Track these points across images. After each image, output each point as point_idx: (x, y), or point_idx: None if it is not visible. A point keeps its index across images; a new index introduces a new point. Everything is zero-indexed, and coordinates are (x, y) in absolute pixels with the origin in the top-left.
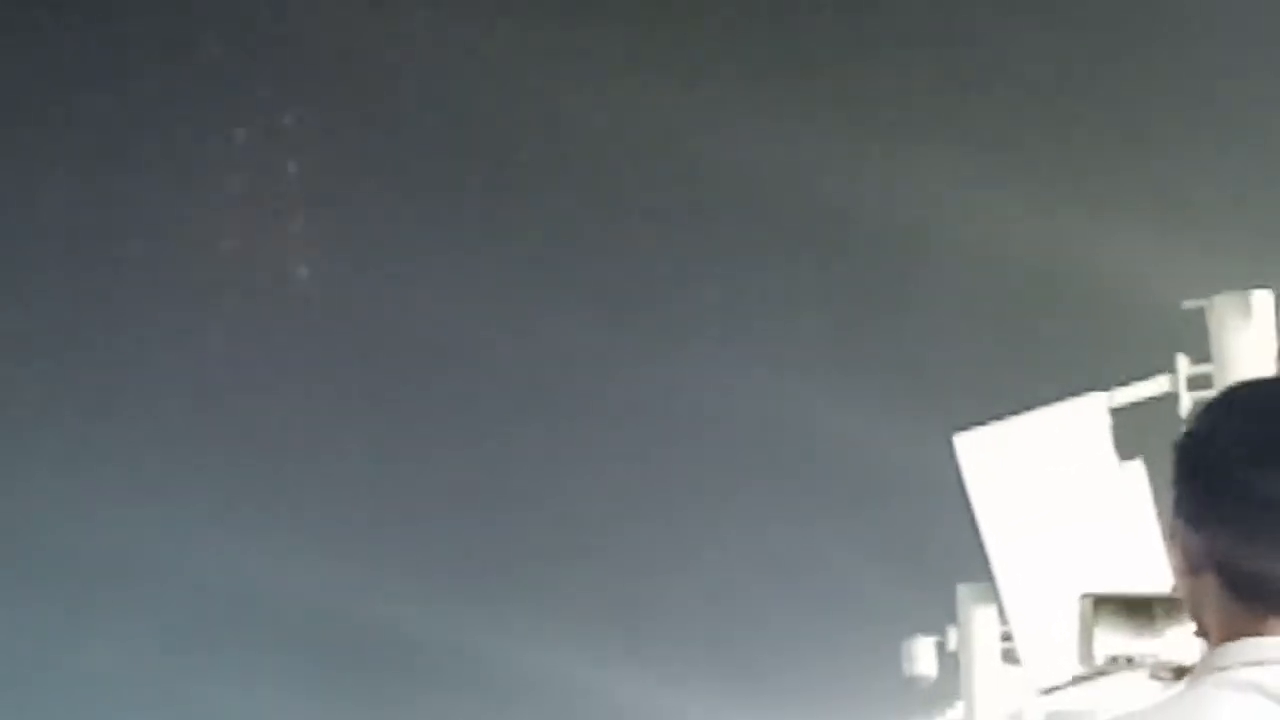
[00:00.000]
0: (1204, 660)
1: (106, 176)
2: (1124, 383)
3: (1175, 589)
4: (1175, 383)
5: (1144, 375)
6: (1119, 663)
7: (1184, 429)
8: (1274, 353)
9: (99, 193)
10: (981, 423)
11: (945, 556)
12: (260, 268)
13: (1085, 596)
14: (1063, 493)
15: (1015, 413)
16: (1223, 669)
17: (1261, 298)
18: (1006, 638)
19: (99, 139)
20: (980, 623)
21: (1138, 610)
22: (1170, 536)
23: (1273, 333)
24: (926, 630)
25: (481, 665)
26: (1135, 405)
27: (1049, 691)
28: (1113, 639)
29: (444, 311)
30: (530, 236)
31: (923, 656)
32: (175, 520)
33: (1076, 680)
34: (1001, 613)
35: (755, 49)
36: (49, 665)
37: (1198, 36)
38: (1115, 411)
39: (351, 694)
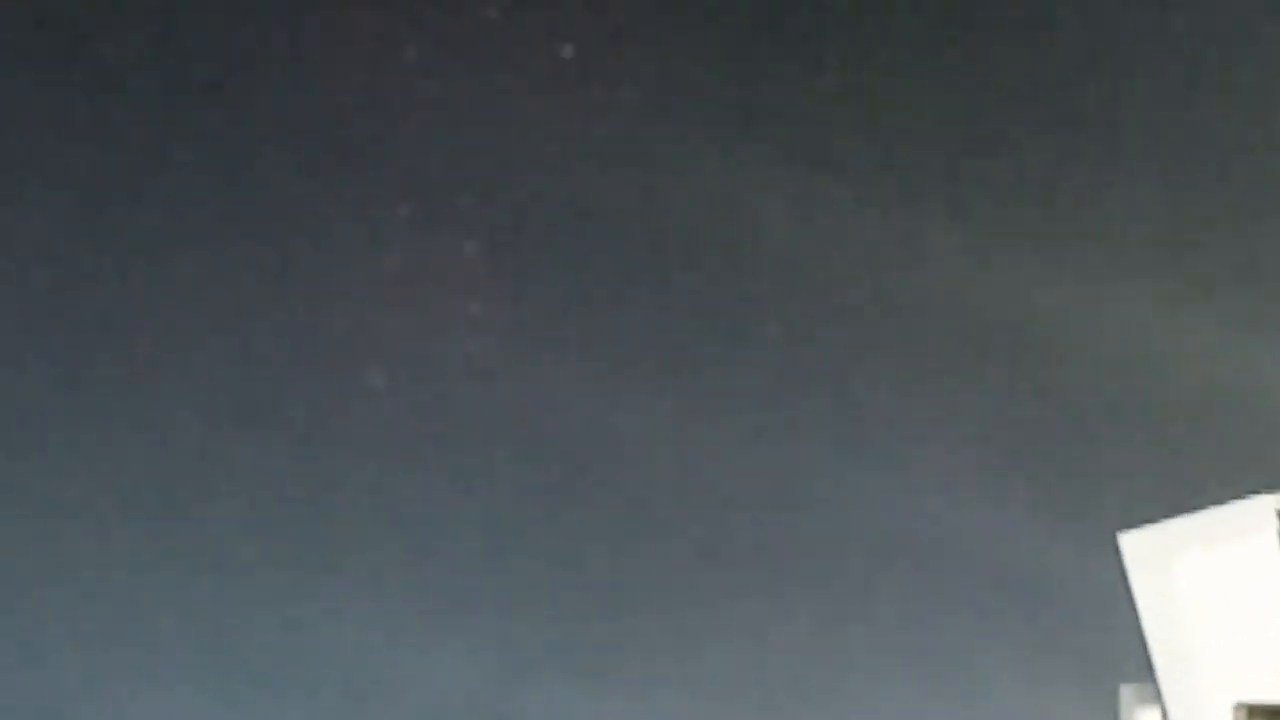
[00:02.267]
0: None
1: (267, 251)
2: None
3: None
4: None
5: None
6: None
7: None
8: None
9: (259, 268)
10: (1147, 522)
11: (1109, 657)
12: (433, 346)
13: (1239, 706)
14: (1229, 594)
15: (1181, 513)
16: None
17: None
18: None
19: (257, 214)
20: None
21: None
22: None
23: None
24: None
25: None
26: None
27: None
28: None
29: (609, 404)
30: (706, 337)
31: None
32: (322, 595)
33: None
34: (1164, 716)
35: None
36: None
37: None
38: None
39: None
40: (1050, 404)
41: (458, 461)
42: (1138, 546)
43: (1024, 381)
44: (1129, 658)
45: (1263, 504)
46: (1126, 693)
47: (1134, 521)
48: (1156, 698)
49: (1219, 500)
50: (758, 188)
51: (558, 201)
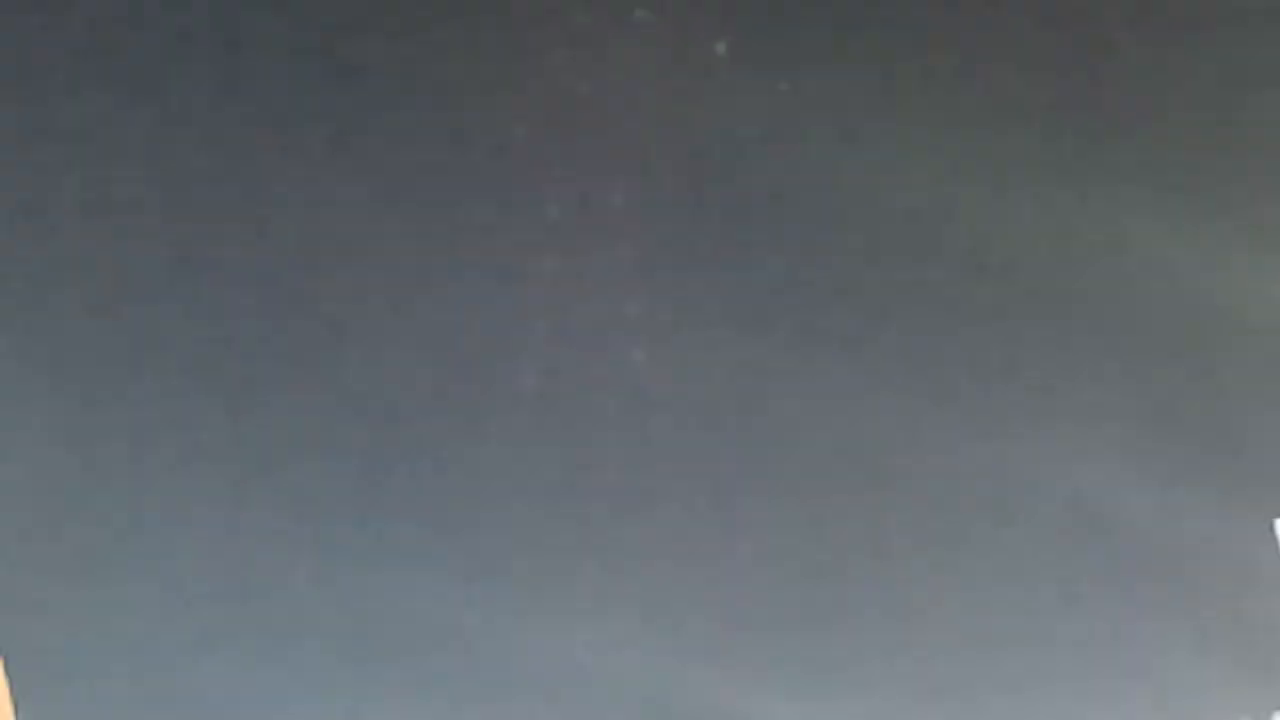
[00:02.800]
0: None
1: (421, 251)
2: None
3: None
4: None
5: None
6: None
7: None
8: None
9: (412, 279)
10: None
11: (1269, 643)
12: (590, 351)
13: None
14: None
15: None
16: None
17: None
18: None
19: (411, 213)
20: None
21: None
22: None
23: None
24: (1254, 716)
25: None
26: None
27: None
28: None
29: (765, 392)
30: (860, 318)
31: None
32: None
33: None
34: None
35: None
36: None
37: None
38: None
39: None
40: (1207, 383)
41: (636, 461)
42: None
43: (1180, 358)
44: None
45: None
46: None
47: None
48: None
49: None
50: (904, 172)
51: (713, 198)
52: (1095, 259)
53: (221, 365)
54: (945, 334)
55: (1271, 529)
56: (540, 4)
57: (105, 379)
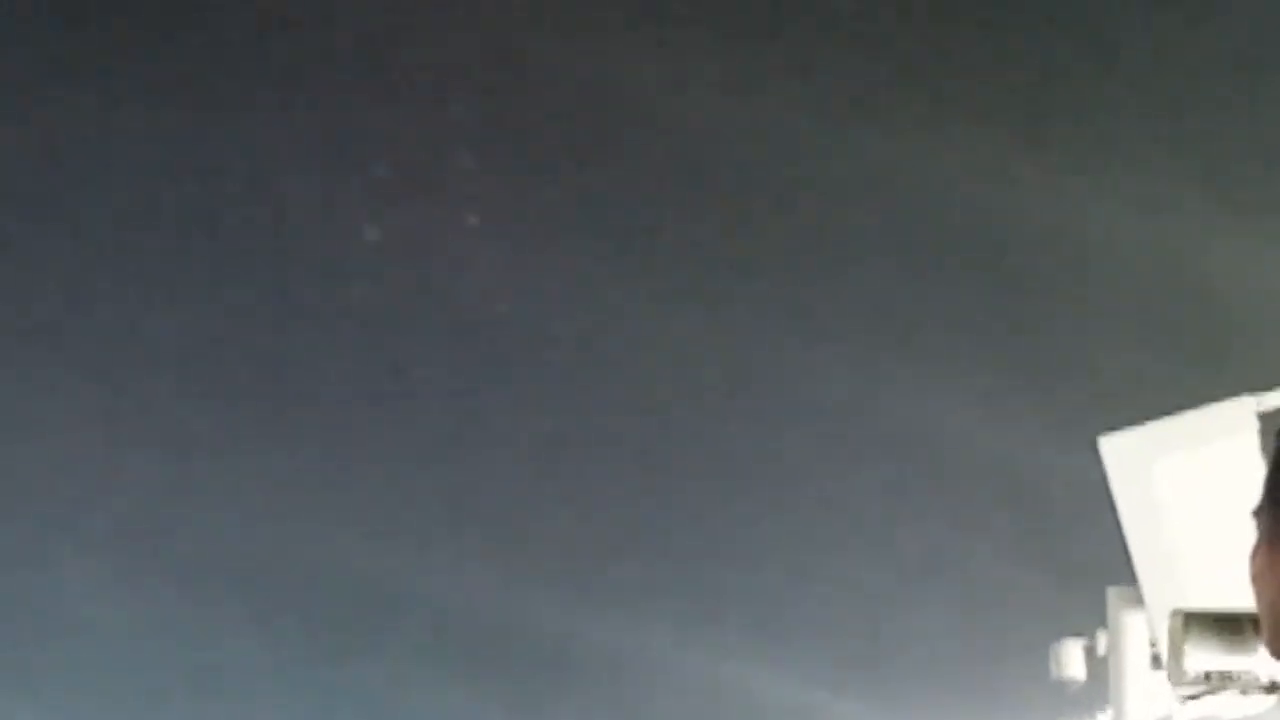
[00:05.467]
0: None
1: None
2: (1273, 387)
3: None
4: None
5: None
6: (1211, 679)
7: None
8: None
9: None
10: (1128, 425)
11: (1095, 560)
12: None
13: (1175, 613)
14: (1207, 496)
15: (1163, 415)
16: None
17: None
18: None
19: None
20: (1130, 626)
21: (1230, 627)
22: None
23: None
24: (1075, 634)
25: (618, 661)
26: None
27: (1190, 699)
28: (1204, 655)
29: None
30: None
31: (1071, 659)
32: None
33: (1215, 689)
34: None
35: (895, 58)
36: (182, 661)
37: None
38: (1264, 416)
39: (498, 693)
40: (1032, 302)
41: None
42: (1117, 449)
43: (1007, 279)
44: (1118, 560)
45: (1243, 405)
46: (1114, 595)
47: (1115, 423)
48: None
49: (1199, 402)
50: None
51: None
52: (932, 183)
53: None
54: (775, 251)
55: (1095, 447)
56: None
57: None
